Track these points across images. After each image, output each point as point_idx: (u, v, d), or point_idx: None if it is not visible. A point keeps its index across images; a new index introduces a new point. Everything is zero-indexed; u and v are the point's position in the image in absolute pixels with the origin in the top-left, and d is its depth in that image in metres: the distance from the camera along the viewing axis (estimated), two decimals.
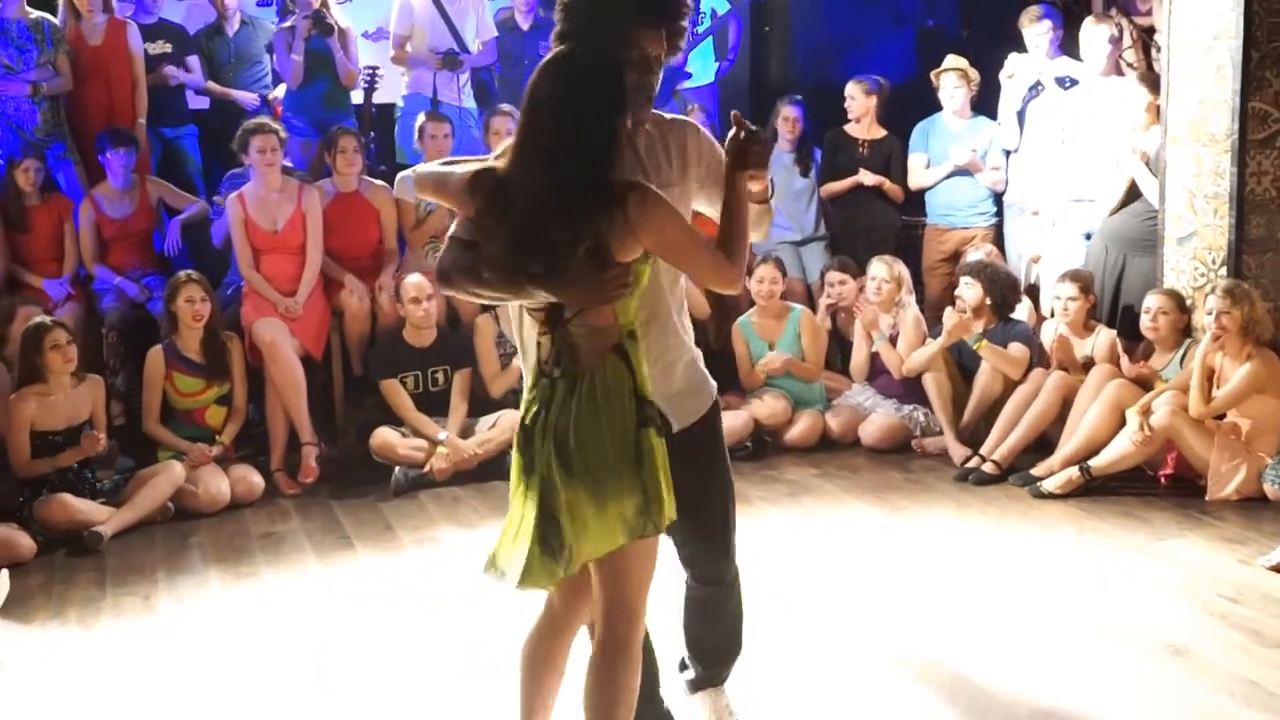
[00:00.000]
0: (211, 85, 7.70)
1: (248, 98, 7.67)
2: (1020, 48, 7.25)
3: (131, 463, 5.94)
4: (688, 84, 8.29)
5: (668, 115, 3.07)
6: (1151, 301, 5.91)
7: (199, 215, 7.10)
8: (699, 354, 3.12)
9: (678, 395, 3.04)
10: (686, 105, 7.90)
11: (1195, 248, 6.05)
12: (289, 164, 6.89)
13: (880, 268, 6.73)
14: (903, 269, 6.82)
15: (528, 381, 2.88)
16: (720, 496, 3.20)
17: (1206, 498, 5.50)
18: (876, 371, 6.80)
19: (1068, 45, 7.13)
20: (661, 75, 2.93)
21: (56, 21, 7.10)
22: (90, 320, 6.64)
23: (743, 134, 2.82)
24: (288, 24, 7.34)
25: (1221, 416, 5.58)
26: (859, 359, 6.86)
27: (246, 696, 3.94)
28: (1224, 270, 5.91)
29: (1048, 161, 6.98)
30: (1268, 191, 5.90)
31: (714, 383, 3.16)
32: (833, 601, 4.55)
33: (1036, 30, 7.09)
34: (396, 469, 6.14)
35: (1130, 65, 6.99)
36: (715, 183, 2.97)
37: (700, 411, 3.09)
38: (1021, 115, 7.23)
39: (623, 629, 2.82)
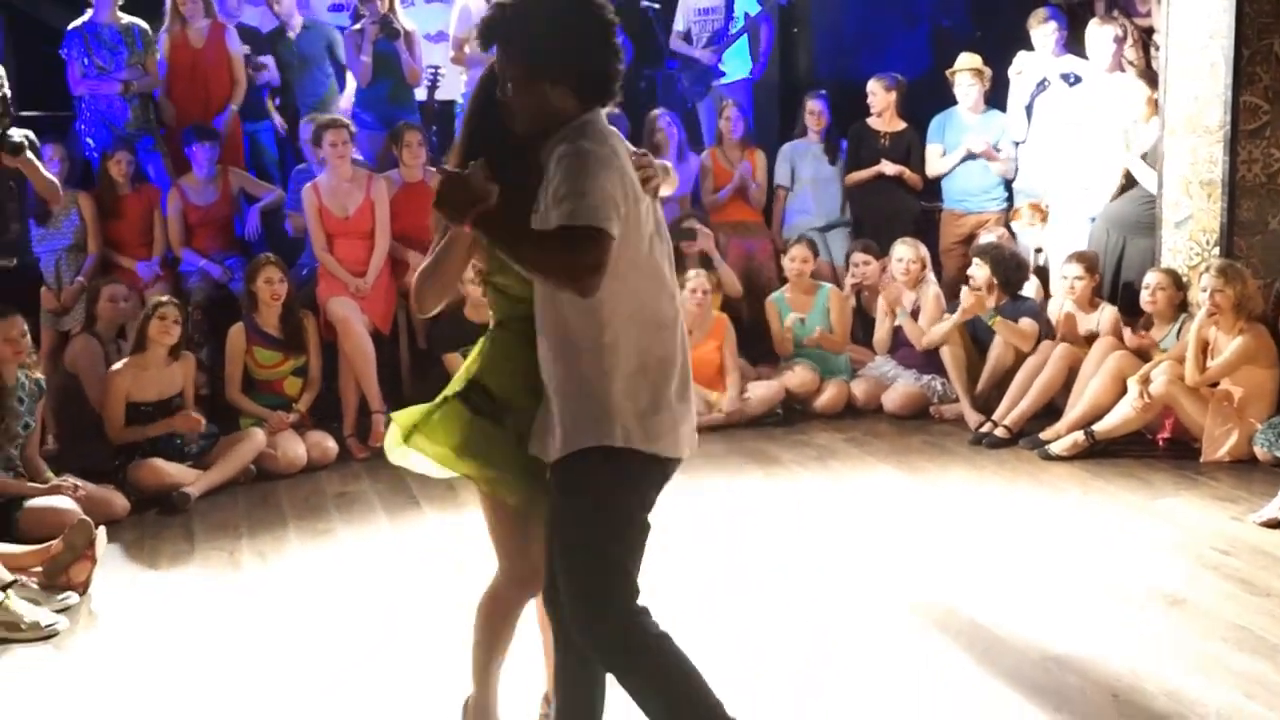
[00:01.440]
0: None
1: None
2: (1028, 46, 7.20)
3: (216, 429, 5.98)
4: (722, 81, 8.23)
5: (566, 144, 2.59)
6: (1151, 279, 5.90)
7: (276, 203, 7.13)
8: (585, 397, 2.62)
9: (537, 423, 2.73)
10: (721, 101, 7.85)
11: (1191, 230, 6.02)
12: (359, 156, 6.91)
13: (906, 249, 6.71)
14: (925, 250, 6.80)
15: None
16: (566, 550, 2.67)
17: (1201, 460, 5.48)
18: (897, 344, 6.78)
19: (1071, 44, 7.07)
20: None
21: (145, 26, 7.13)
22: (177, 299, 6.68)
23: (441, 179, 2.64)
24: (357, 27, 7.34)
25: (1215, 385, 5.55)
26: (882, 333, 6.84)
27: (322, 643, 3.97)
28: (1217, 251, 5.88)
29: (1053, 151, 6.92)
30: (1257, 178, 5.85)
31: (596, 436, 2.61)
32: (857, 555, 4.55)
33: (1043, 31, 7.05)
34: None
35: (1130, 63, 6.93)
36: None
37: (550, 454, 2.67)
38: (1029, 109, 7.19)
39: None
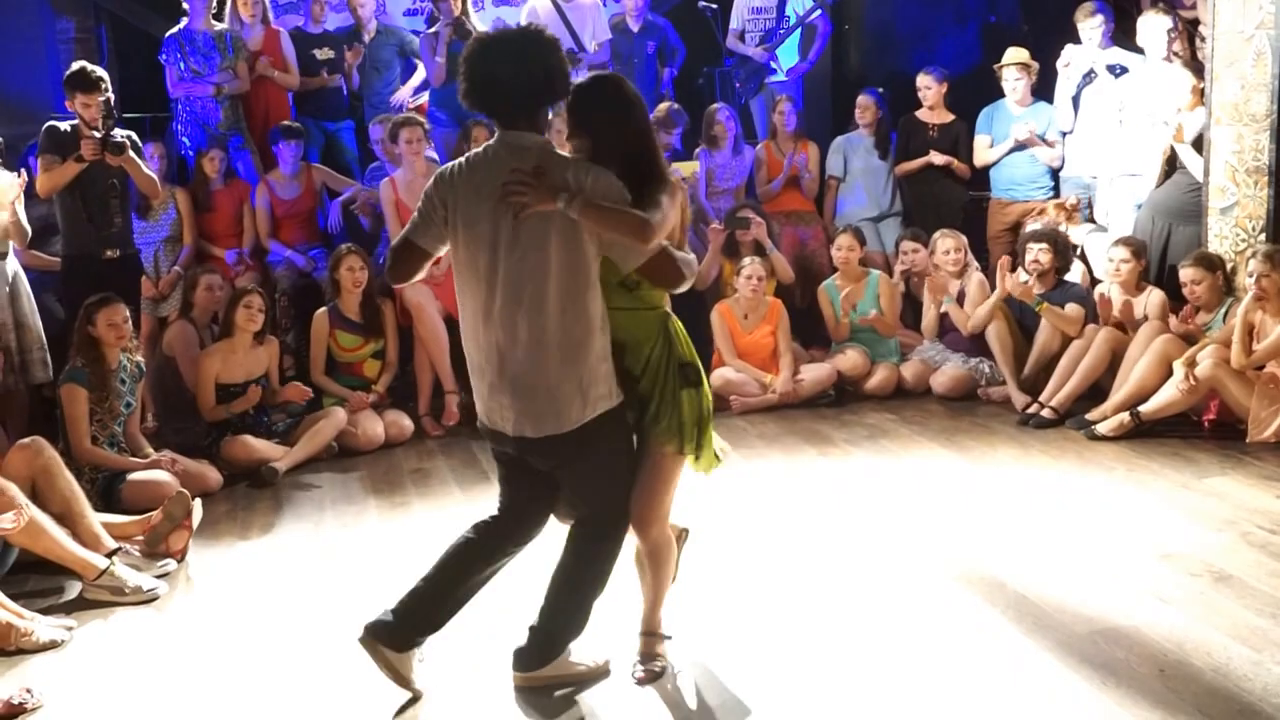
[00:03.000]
0: None
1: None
2: (1075, 40, 7.04)
3: (301, 408, 6.02)
4: (774, 78, 8.12)
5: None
6: (1184, 275, 5.74)
7: (355, 196, 7.15)
8: None
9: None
10: (774, 97, 7.75)
11: (1237, 216, 5.84)
12: (433, 154, 6.90)
13: (949, 241, 6.61)
14: (965, 239, 6.68)
15: None
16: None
17: (1247, 440, 5.31)
18: (945, 329, 6.66)
19: (1118, 37, 6.91)
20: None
21: (236, 32, 7.19)
22: (265, 287, 6.71)
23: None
24: (432, 30, 7.34)
25: (1261, 367, 5.37)
26: (929, 319, 6.73)
27: None
28: (1263, 236, 5.71)
29: (1099, 141, 6.75)
30: None
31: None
32: (907, 530, 4.47)
33: (1091, 24, 6.88)
34: None
35: (1176, 54, 6.74)
36: None
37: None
38: (1076, 100, 7.02)
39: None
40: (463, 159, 3.18)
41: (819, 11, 7.98)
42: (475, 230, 3.08)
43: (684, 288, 3.20)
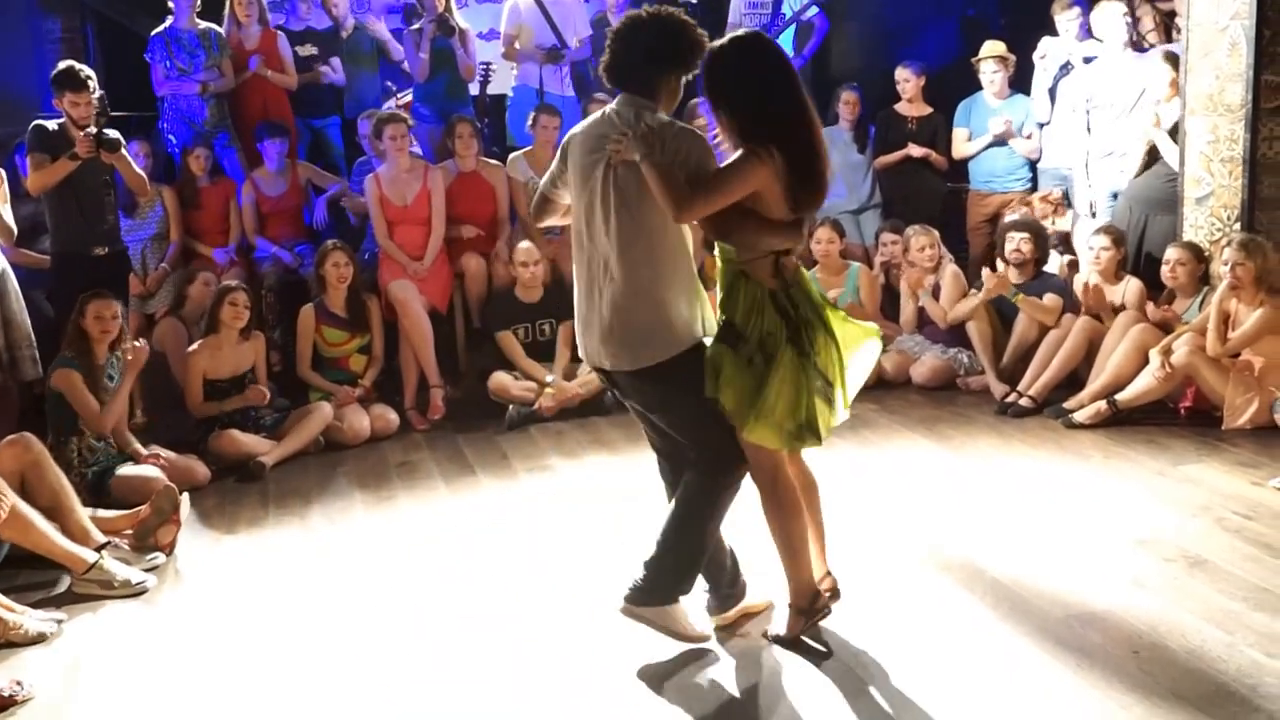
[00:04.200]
0: None
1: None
2: (1052, 32, 7.06)
3: (287, 403, 6.01)
4: None
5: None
6: (1171, 254, 5.76)
7: (342, 194, 7.14)
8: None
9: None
10: None
11: (1212, 206, 5.87)
12: (416, 149, 6.90)
13: (921, 237, 6.62)
14: (936, 234, 6.69)
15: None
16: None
17: (1222, 427, 5.33)
18: (924, 321, 6.68)
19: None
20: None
21: (221, 30, 7.16)
22: (251, 283, 6.70)
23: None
24: (416, 26, 7.32)
25: (1236, 355, 5.40)
26: (907, 314, 6.74)
27: (385, 601, 3.98)
28: (1238, 226, 5.73)
29: (1076, 131, 6.79)
30: (1278, 155, 5.68)
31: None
32: (887, 518, 4.49)
33: (1067, 16, 6.93)
34: (510, 407, 6.15)
35: (1152, 45, 6.78)
36: None
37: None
38: (1052, 91, 7.06)
39: None
40: (593, 120, 3.37)
41: (815, 8, 7.98)
42: (583, 188, 3.32)
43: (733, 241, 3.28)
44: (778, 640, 3.42)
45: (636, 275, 3.23)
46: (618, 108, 3.30)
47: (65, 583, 4.19)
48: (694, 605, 3.49)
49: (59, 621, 3.88)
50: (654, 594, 3.36)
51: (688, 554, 3.37)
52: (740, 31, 3.37)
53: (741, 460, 3.30)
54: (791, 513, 3.34)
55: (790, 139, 3.16)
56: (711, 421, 3.28)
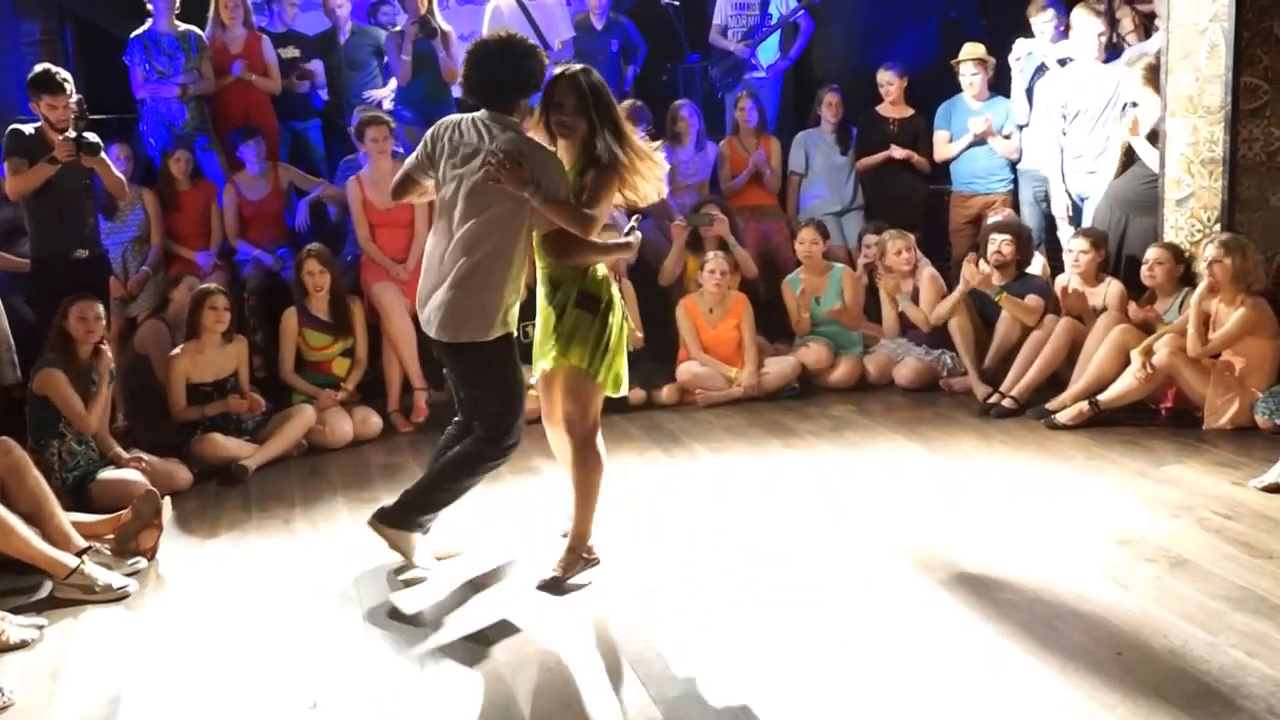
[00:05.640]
0: None
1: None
2: (1028, 33, 7.09)
3: (270, 406, 5.98)
4: (755, 74, 8.12)
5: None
6: (1151, 254, 5.80)
7: (323, 193, 7.10)
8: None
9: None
10: (738, 93, 7.74)
11: (1192, 207, 5.90)
12: (399, 150, 6.87)
13: (898, 242, 6.64)
14: (912, 238, 6.71)
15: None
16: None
17: (1203, 428, 5.38)
18: (906, 325, 6.70)
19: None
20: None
21: (201, 33, 7.12)
22: (233, 287, 6.67)
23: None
24: (397, 29, 7.31)
25: (1217, 356, 5.43)
26: (889, 319, 6.77)
27: (369, 603, 3.96)
28: (1218, 227, 5.76)
29: (1053, 133, 6.82)
30: (1258, 156, 5.72)
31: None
32: (870, 520, 4.49)
33: (1042, 18, 6.97)
34: None
35: (1130, 47, 6.81)
36: None
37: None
38: (1029, 93, 7.09)
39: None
40: (457, 121, 3.90)
41: (802, 10, 8.00)
42: (450, 179, 3.87)
43: (578, 261, 3.90)
44: (548, 584, 3.92)
45: (477, 269, 3.82)
46: (487, 121, 3.85)
47: (46, 588, 4.15)
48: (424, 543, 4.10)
49: (40, 627, 3.84)
50: (400, 520, 4.02)
51: (440, 499, 4.05)
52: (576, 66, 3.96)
53: (510, 446, 4.03)
54: (597, 469, 3.98)
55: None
56: (500, 408, 3.97)
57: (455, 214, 3.86)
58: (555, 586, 3.90)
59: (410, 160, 4.01)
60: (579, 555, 4.00)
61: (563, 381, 4.02)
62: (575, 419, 3.96)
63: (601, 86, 3.88)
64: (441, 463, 4.08)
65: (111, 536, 4.46)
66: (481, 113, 3.89)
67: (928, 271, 6.66)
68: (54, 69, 5.49)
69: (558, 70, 3.93)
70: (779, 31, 8.12)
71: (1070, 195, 6.76)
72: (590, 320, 3.91)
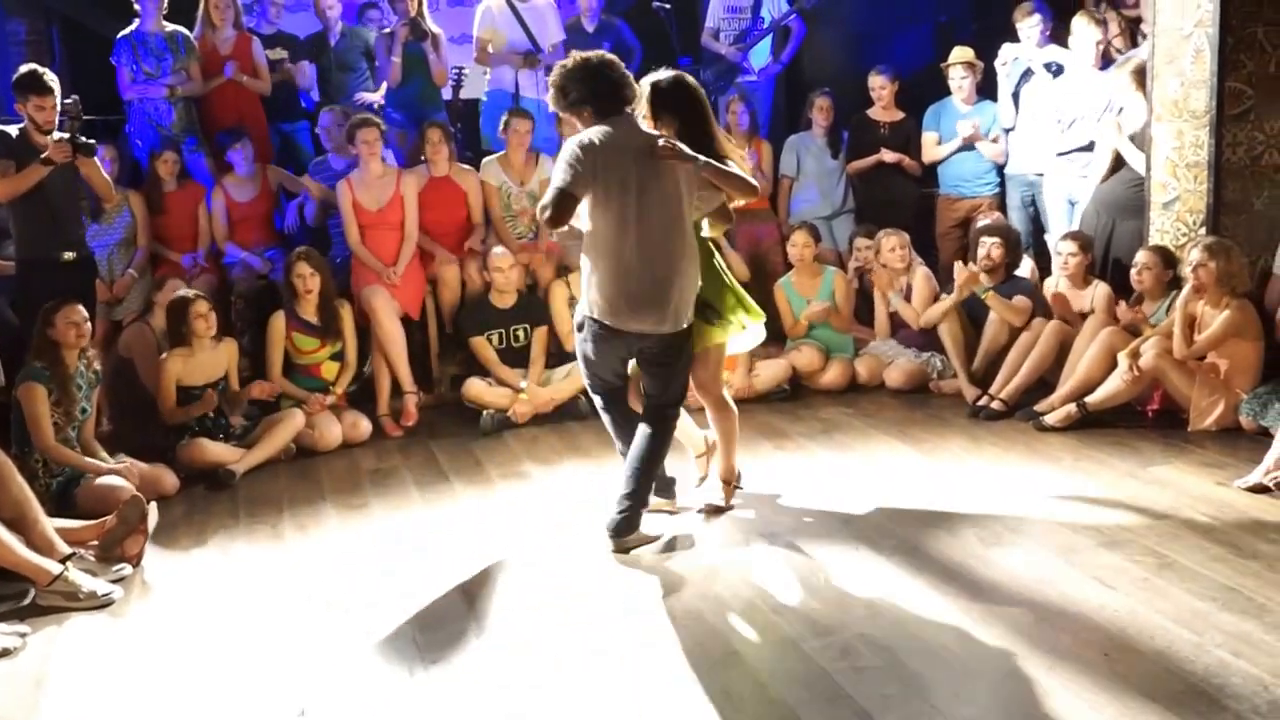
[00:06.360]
0: None
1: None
2: (1015, 38, 7.11)
3: (258, 410, 5.96)
4: (747, 78, 8.12)
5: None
6: (1139, 258, 5.81)
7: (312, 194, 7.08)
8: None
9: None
10: (729, 97, 7.75)
11: (1178, 211, 5.92)
12: (389, 154, 6.87)
13: (893, 239, 6.65)
14: (906, 237, 6.72)
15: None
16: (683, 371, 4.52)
17: (1189, 429, 5.40)
18: (897, 325, 6.71)
19: (1058, 34, 7.00)
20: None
21: (189, 33, 7.11)
22: (221, 289, 6.67)
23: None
24: (387, 30, 7.30)
25: (1202, 358, 5.45)
26: (881, 319, 6.78)
27: (358, 610, 3.95)
28: (1204, 230, 5.78)
29: (1040, 138, 6.87)
30: (1242, 160, 5.75)
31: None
32: (860, 521, 4.50)
33: (1028, 23, 6.99)
34: (484, 413, 6.13)
35: (1119, 51, 6.84)
36: None
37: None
38: (1015, 97, 7.11)
39: None
40: (596, 133, 4.12)
41: (794, 14, 8.01)
42: (619, 184, 4.10)
43: (748, 198, 4.45)
44: (715, 509, 4.59)
45: (684, 254, 4.20)
46: (626, 122, 4.19)
47: (30, 595, 4.12)
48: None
49: (23, 635, 3.82)
50: (633, 521, 4.27)
51: (655, 473, 4.44)
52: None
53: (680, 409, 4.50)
54: (731, 418, 4.62)
55: None
56: (686, 377, 4.45)
57: (635, 214, 4.11)
58: (720, 512, 4.59)
59: (564, 179, 4.06)
60: (732, 486, 4.68)
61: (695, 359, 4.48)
62: (707, 383, 4.53)
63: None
64: (642, 449, 4.32)
65: (96, 543, 4.43)
66: (624, 118, 4.18)
67: (921, 271, 6.68)
68: (41, 70, 5.47)
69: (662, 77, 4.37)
70: (771, 35, 8.12)
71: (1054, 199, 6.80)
72: (702, 323, 4.43)
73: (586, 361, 4.41)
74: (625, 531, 4.25)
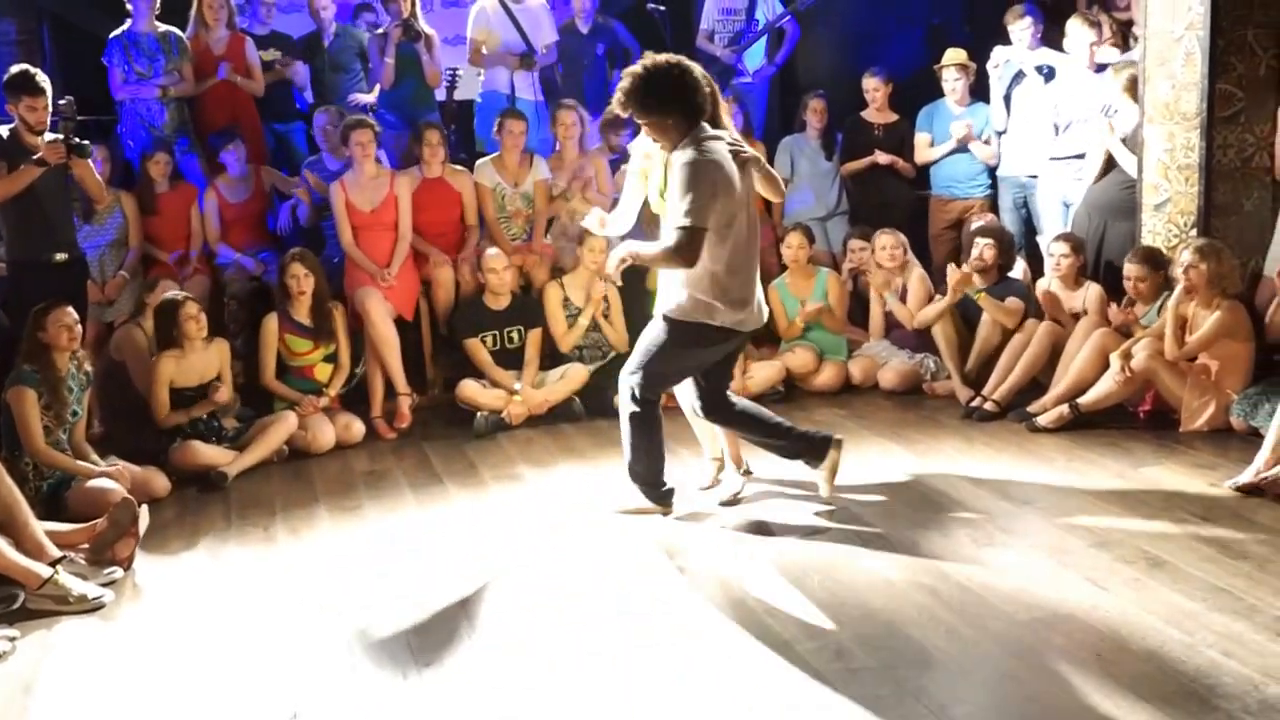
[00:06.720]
0: None
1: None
2: (1006, 41, 7.13)
3: (251, 412, 5.95)
4: (741, 79, 8.13)
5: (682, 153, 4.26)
6: (1127, 270, 5.81)
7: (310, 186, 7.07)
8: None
9: None
10: (728, 97, 7.74)
11: (1169, 213, 5.93)
12: (382, 155, 6.86)
13: (888, 238, 6.67)
14: (904, 236, 6.74)
15: None
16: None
17: (1180, 430, 5.41)
18: (891, 326, 6.72)
19: (1049, 37, 7.03)
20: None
21: (181, 33, 7.09)
22: (214, 291, 6.66)
23: None
24: (380, 31, 7.29)
25: (1193, 359, 5.47)
26: (875, 319, 6.78)
27: (352, 615, 3.94)
28: (1195, 232, 5.80)
29: (1032, 140, 6.89)
30: (1232, 162, 5.77)
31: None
32: (853, 521, 4.50)
33: (1020, 26, 7.02)
34: (478, 415, 6.13)
35: (1116, 55, 6.85)
36: None
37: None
38: (1007, 99, 7.13)
39: None
40: (710, 151, 4.20)
41: (788, 16, 8.02)
42: (737, 191, 4.27)
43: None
44: (732, 501, 4.77)
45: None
46: (717, 132, 4.31)
47: (19, 599, 4.10)
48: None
49: (12, 639, 3.80)
50: (816, 452, 4.70)
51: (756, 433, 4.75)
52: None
53: None
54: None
55: None
56: None
57: (752, 224, 4.38)
58: (738, 501, 4.79)
59: (698, 215, 4.11)
60: (743, 470, 4.92)
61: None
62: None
63: None
64: (752, 419, 4.66)
65: (87, 546, 4.42)
66: (709, 131, 4.28)
67: (917, 271, 6.69)
68: (32, 70, 5.46)
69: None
70: (765, 37, 8.13)
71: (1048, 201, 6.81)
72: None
73: (675, 371, 4.50)
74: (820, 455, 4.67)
